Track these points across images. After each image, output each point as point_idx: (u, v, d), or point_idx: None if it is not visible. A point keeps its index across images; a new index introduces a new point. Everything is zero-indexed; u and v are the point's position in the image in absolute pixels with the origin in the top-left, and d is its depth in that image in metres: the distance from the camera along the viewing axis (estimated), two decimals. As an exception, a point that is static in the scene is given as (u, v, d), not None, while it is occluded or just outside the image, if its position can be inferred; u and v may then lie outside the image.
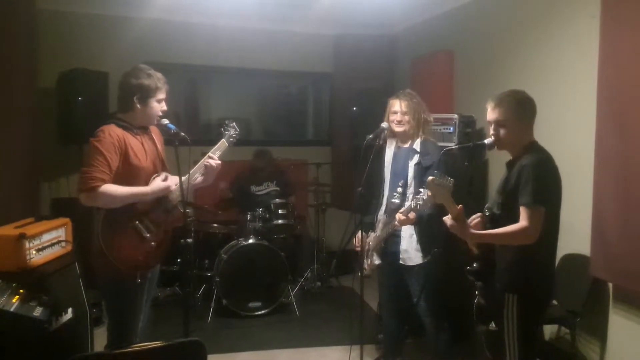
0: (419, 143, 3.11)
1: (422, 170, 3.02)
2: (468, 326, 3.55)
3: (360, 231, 3.28)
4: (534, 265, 2.27)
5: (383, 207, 3.24)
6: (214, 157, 2.72)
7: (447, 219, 2.27)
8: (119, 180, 2.46)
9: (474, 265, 2.41)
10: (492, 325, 2.39)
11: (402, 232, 3.09)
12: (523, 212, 2.19)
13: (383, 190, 3.26)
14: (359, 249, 3.29)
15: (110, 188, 2.41)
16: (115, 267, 2.46)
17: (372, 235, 3.27)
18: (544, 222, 2.19)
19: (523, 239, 2.20)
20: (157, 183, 2.59)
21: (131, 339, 2.57)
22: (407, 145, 3.15)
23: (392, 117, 3.15)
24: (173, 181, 2.65)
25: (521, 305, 2.26)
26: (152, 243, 2.59)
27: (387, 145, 3.28)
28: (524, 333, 2.27)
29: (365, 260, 3.27)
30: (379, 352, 3.81)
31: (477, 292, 2.45)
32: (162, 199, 2.64)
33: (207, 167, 2.69)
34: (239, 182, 5.21)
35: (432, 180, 2.18)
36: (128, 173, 2.50)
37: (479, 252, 2.39)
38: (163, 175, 2.64)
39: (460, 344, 3.54)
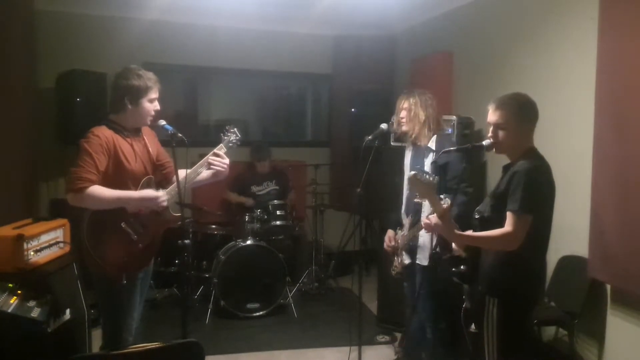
0: (434, 141, 3.08)
1: (438, 169, 2.96)
2: (457, 329, 3.53)
3: (393, 229, 3.28)
4: (517, 270, 2.23)
5: (404, 207, 3.24)
6: (220, 154, 2.67)
7: (432, 218, 2.26)
8: (108, 182, 2.44)
9: (461, 267, 2.40)
10: (473, 327, 2.38)
11: (422, 232, 3.07)
12: (509, 217, 2.17)
13: (402, 190, 3.27)
14: (389, 248, 3.29)
15: (98, 190, 2.39)
16: (103, 268, 2.45)
17: (400, 233, 3.25)
18: (531, 230, 2.17)
19: (505, 244, 2.19)
20: (148, 191, 2.54)
21: (125, 339, 2.56)
22: (423, 144, 3.12)
23: (398, 116, 3.16)
24: (166, 193, 2.61)
25: (501, 309, 2.23)
26: (140, 245, 2.56)
27: (407, 146, 3.28)
28: (503, 337, 2.24)
29: (395, 259, 3.27)
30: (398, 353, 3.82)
31: (464, 296, 2.44)
32: None
33: (212, 166, 2.66)
34: (241, 183, 5.23)
35: (414, 175, 2.17)
36: (117, 175, 2.48)
37: (466, 254, 2.39)
38: (155, 191, 2.57)
39: (451, 347, 3.53)
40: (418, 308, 3.19)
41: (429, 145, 3.10)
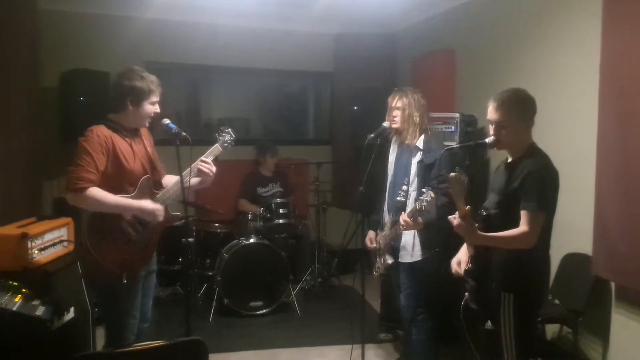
0: (422, 140, 3.08)
1: (424, 168, 3.00)
2: (457, 329, 3.54)
3: (374, 230, 3.30)
4: (530, 266, 2.27)
5: (386, 206, 3.24)
6: (207, 161, 2.69)
7: (453, 219, 2.25)
8: (106, 181, 2.45)
9: (469, 265, 2.41)
10: (489, 324, 2.39)
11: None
12: (525, 216, 2.19)
13: (386, 189, 3.26)
14: (371, 247, 3.30)
15: (98, 193, 2.39)
16: (103, 267, 2.45)
17: (380, 234, 3.26)
18: (544, 226, 2.20)
19: (522, 243, 2.21)
20: (146, 203, 2.54)
21: (127, 338, 2.56)
22: (410, 143, 3.11)
23: (390, 114, 3.15)
24: (161, 199, 2.63)
25: (517, 304, 2.26)
26: (140, 244, 2.56)
27: (392, 144, 3.27)
28: (521, 331, 2.28)
29: (378, 260, 3.26)
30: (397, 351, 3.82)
31: (466, 293, 2.44)
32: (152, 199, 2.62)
33: (201, 172, 2.67)
34: (249, 187, 5.25)
35: (456, 175, 2.15)
36: (116, 175, 2.49)
37: (473, 252, 2.39)
38: (153, 203, 2.59)
39: (450, 348, 3.52)
40: (402, 308, 3.21)
41: (417, 144, 3.09)
